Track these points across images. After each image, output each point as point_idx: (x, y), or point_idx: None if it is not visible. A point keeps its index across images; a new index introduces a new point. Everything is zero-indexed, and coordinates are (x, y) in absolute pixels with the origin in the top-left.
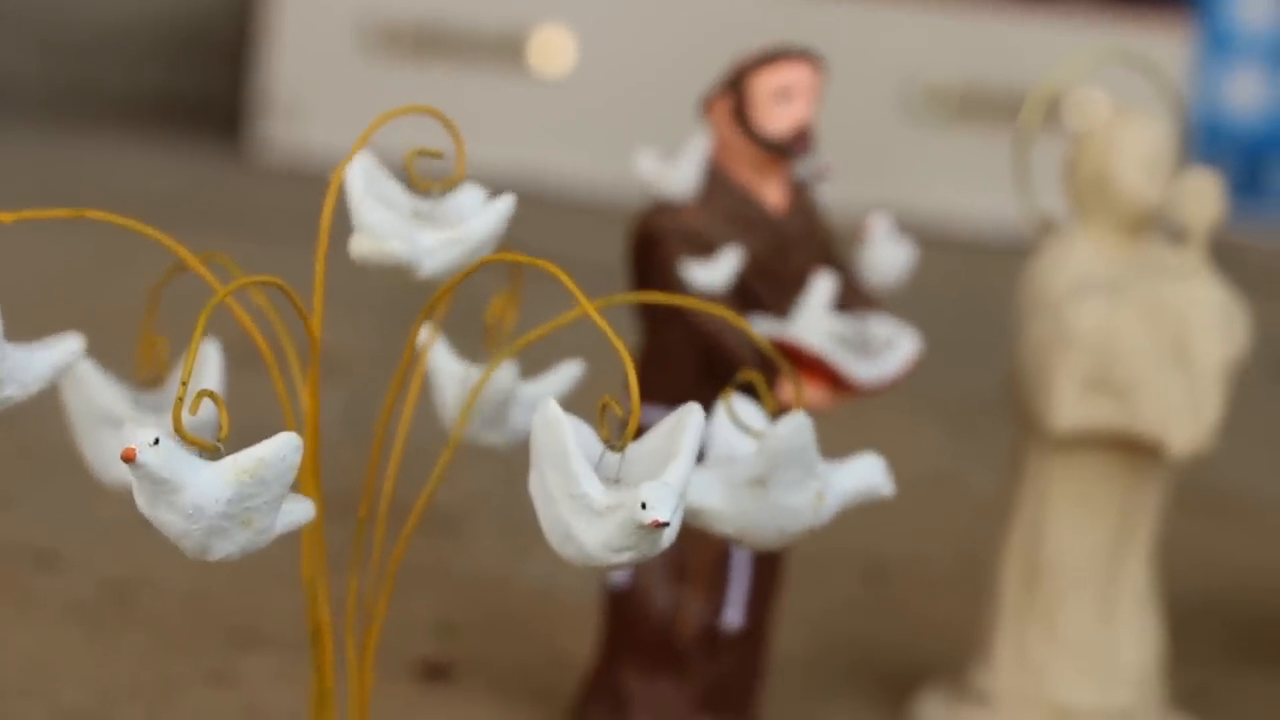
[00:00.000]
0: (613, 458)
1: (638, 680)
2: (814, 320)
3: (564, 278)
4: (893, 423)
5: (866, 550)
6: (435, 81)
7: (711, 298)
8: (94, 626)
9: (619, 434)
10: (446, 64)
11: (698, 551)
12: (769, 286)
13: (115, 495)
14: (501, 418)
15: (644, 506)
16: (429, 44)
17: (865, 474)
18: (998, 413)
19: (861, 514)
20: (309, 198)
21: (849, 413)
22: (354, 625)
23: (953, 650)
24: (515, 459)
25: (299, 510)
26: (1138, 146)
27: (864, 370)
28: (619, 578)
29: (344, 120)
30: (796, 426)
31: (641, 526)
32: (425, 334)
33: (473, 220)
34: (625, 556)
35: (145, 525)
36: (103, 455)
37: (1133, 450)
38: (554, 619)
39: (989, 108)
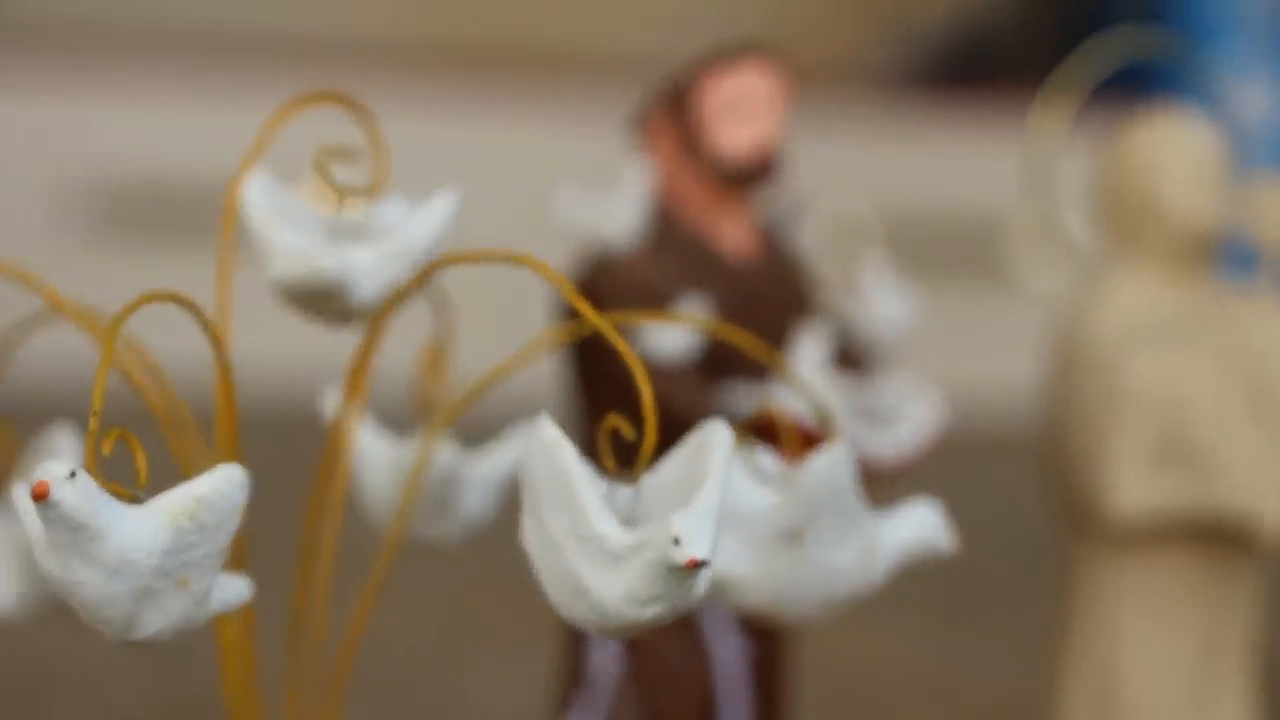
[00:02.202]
0: (625, 493)
1: None
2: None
3: (548, 273)
4: (864, 613)
5: None
6: (167, 264)
7: (671, 365)
8: None
9: (626, 465)
10: (177, 239)
11: (676, 701)
12: (738, 351)
13: None
14: (446, 504)
15: (676, 542)
16: (153, 216)
17: (919, 524)
18: (988, 604)
19: None
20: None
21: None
22: None
23: None
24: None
25: (233, 586)
26: (1186, 156)
27: (876, 444)
28: None
29: (38, 339)
30: (832, 463)
31: (674, 568)
32: (332, 401)
33: (412, 226)
34: (652, 611)
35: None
36: None
37: (1215, 538)
38: None
39: None
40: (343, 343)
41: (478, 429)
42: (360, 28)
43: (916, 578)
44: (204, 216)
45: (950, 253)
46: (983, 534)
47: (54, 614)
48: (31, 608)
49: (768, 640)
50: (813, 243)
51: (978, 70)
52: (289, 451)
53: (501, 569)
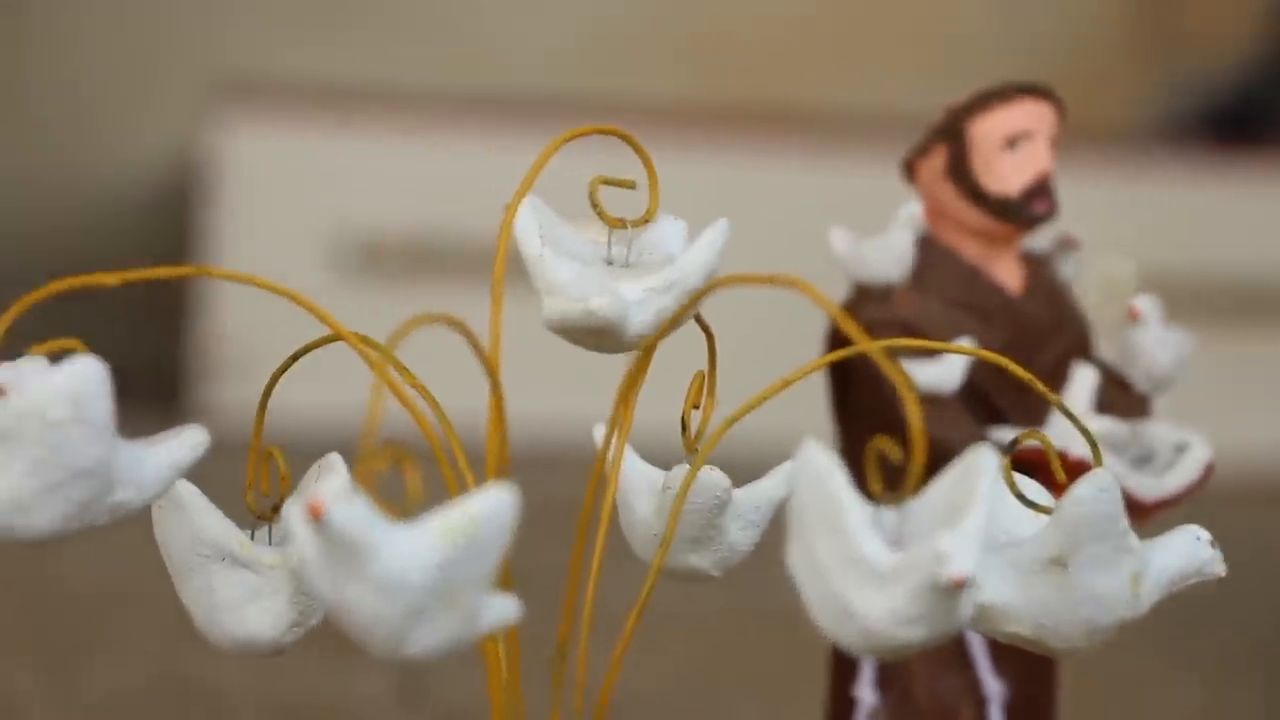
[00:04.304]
0: (890, 516)
1: None
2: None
3: (819, 297)
4: (1139, 674)
5: None
6: (435, 308)
7: (937, 399)
8: None
9: (894, 488)
10: (444, 285)
11: None
12: (1009, 389)
13: None
14: (711, 534)
15: (941, 560)
16: (422, 264)
17: (1190, 550)
18: (1266, 662)
19: None
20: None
21: (1082, 663)
22: None
23: None
24: None
25: (502, 606)
26: None
27: (1146, 485)
28: None
29: (314, 371)
30: (1101, 488)
31: (938, 587)
32: (600, 430)
33: (681, 258)
34: (917, 632)
35: None
36: (212, 602)
37: None
38: None
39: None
40: (600, 379)
41: (739, 462)
42: (616, 90)
43: (1183, 631)
44: (463, 265)
45: (1224, 305)
46: (1250, 586)
47: None
48: (300, 638)
49: (1031, 683)
50: (1079, 286)
51: (1251, 124)
52: (547, 487)
53: (758, 603)
